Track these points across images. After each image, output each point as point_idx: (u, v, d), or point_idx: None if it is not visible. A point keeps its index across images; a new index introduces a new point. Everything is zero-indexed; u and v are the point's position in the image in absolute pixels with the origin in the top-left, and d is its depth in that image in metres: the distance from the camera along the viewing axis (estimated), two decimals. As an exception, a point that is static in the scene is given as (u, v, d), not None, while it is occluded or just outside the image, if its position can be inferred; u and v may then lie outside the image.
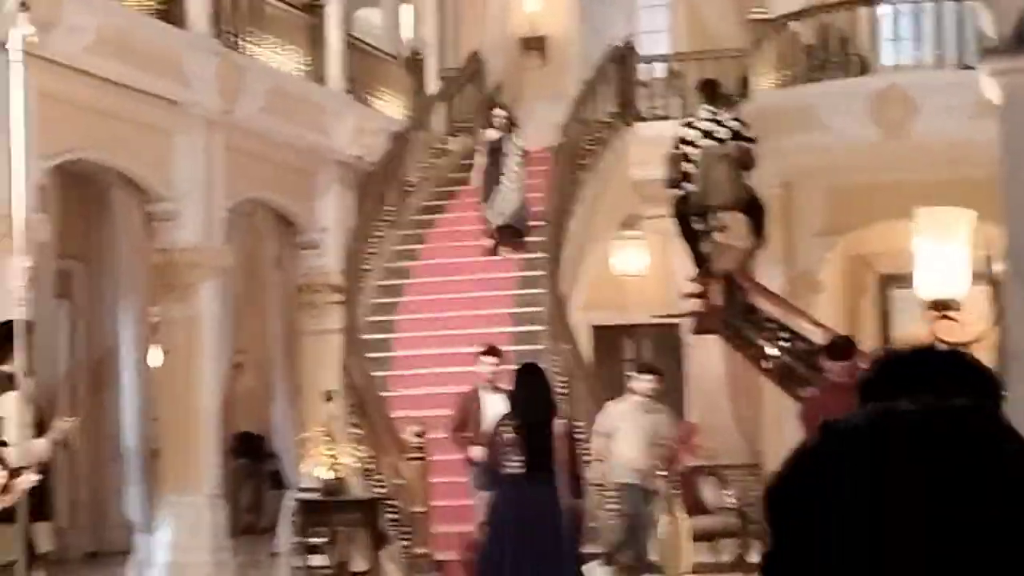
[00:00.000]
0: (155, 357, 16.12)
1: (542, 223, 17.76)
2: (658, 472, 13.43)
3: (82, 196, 16.89)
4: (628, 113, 20.32)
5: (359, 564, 14.72)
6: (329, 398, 15.79)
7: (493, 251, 17.87)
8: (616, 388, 15.11)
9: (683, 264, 17.76)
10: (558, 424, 10.65)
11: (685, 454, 15.00)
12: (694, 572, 14.31)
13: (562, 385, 15.14)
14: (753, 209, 16.44)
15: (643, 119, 20.37)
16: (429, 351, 16.86)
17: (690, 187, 16.38)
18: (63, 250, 16.22)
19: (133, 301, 15.82)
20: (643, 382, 13.65)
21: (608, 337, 21.90)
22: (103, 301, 17.78)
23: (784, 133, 18.15)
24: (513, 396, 11.18)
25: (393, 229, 18.84)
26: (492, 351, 13.77)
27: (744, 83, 19.46)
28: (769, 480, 1.88)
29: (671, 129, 17.86)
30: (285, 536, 16.72)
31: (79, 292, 17.94)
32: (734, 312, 16.45)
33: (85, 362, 17.91)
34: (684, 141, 16.50)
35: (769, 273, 19.04)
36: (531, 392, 10.79)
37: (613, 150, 19.76)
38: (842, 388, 9.74)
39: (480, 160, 18.15)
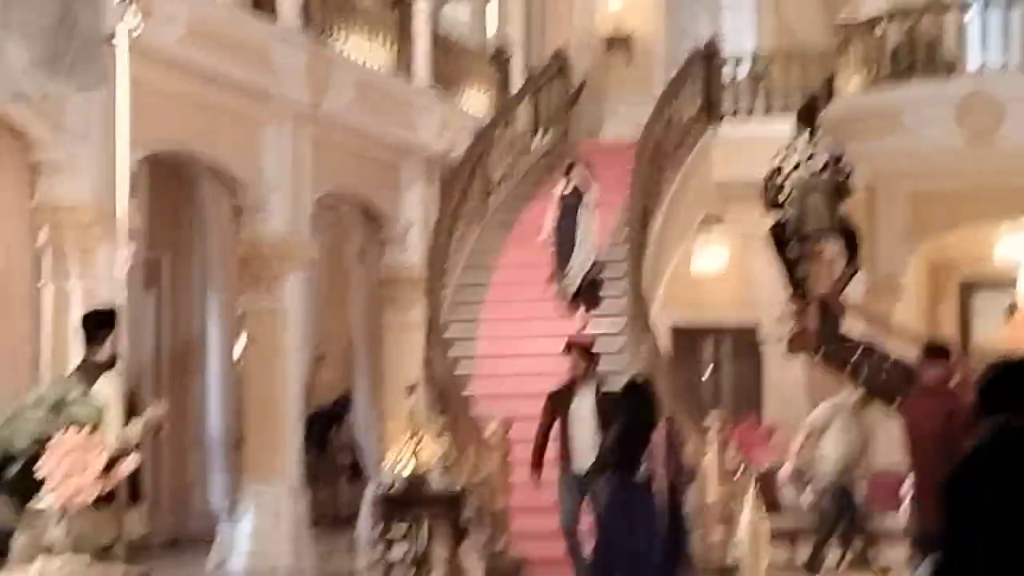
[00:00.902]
0: (240, 348, 16.28)
1: (622, 223, 17.82)
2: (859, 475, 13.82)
3: (170, 186, 17.09)
4: (712, 113, 20.32)
5: (439, 557, 14.82)
6: (411, 392, 15.91)
7: (573, 311, 16.96)
8: (693, 388, 15.21)
9: (763, 267, 17.77)
10: (657, 433, 10.96)
11: (763, 454, 15.03)
12: (772, 572, 14.32)
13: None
14: (848, 235, 16.74)
15: (727, 119, 20.36)
16: (511, 348, 16.95)
17: (787, 212, 16.63)
18: (151, 240, 16.41)
19: (219, 291, 16.01)
20: None
21: (686, 338, 21.91)
22: (190, 291, 18.00)
23: (869, 136, 18.13)
24: (619, 411, 11.57)
25: (477, 225, 18.93)
26: (579, 347, 13.79)
27: (830, 84, 19.43)
28: (946, 476, 1.95)
29: (755, 129, 17.85)
30: (365, 528, 16.87)
31: (166, 281, 18.14)
32: (828, 336, 16.63)
33: (170, 351, 18.11)
34: (781, 168, 16.70)
35: (851, 276, 19.04)
36: (634, 413, 11.16)
37: (696, 150, 19.76)
38: (934, 392, 9.68)
39: (553, 215, 17.31)
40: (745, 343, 21.77)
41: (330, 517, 20.24)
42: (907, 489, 11.61)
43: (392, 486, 15.09)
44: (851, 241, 16.76)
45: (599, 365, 13.56)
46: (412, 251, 18.64)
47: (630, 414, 11.19)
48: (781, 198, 16.63)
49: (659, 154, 18.99)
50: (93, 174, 12.99)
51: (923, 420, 9.34)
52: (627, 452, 10.91)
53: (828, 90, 19.41)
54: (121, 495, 8.34)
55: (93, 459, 7.22)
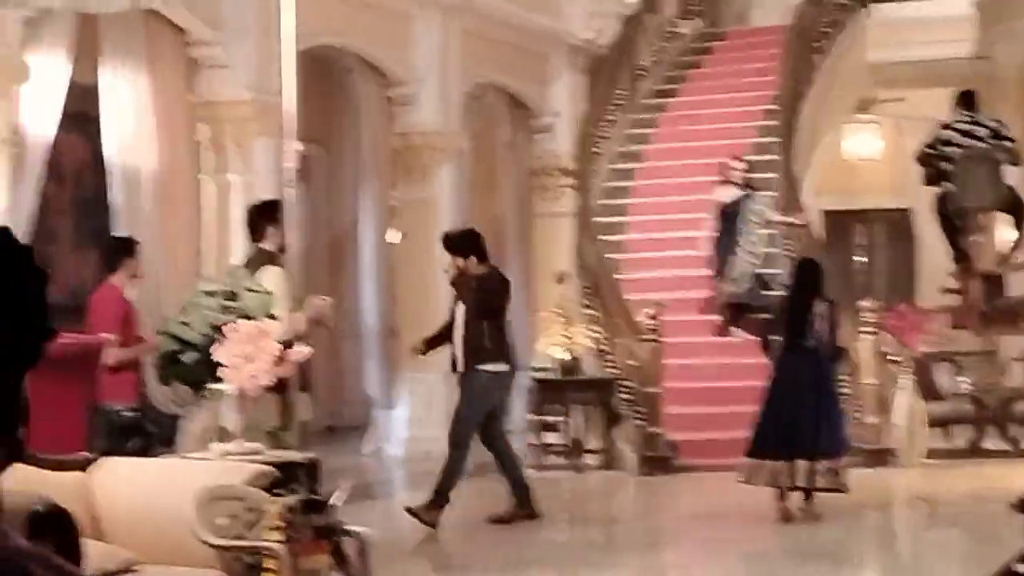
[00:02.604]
0: (393, 238, 16.50)
1: (775, 106, 17.72)
2: None
3: (321, 81, 17.26)
4: (864, -8, 20.00)
5: (592, 442, 15.02)
6: (561, 279, 16.05)
7: (722, 330, 15.89)
8: (845, 274, 15.19)
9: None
10: (819, 304, 11.35)
11: (917, 339, 14.96)
12: (929, 458, 14.33)
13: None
14: (1015, 208, 16.57)
15: (880, 0, 20.03)
16: (661, 234, 17.01)
17: (949, 186, 16.45)
18: (304, 134, 16.58)
19: (371, 184, 16.18)
20: None
21: (839, 222, 21.78)
22: (342, 184, 18.23)
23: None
24: (789, 286, 12.14)
25: (625, 113, 18.93)
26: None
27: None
28: None
29: (910, 8, 17.55)
30: (518, 414, 17.10)
31: (318, 175, 18.38)
32: (993, 311, 16.32)
33: (324, 243, 18.39)
34: (941, 141, 16.51)
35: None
36: (802, 283, 11.61)
37: (848, 32, 19.51)
38: None
39: (711, 225, 16.16)
40: (899, 227, 21.57)
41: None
42: None
43: (546, 372, 15.30)
44: (1018, 214, 16.58)
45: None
46: (561, 140, 18.69)
47: (799, 280, 11.64)
48: (941, 171, 16.46)
49: (810, 36, 18.79)
50: (251, 70, 13.23)
51: None
52: (796, 317, 11.36)
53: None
54: (291, 383, 8.58)
55: (266, 346, 7.44)
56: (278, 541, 5.73)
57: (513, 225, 18.51)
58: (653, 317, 14.52)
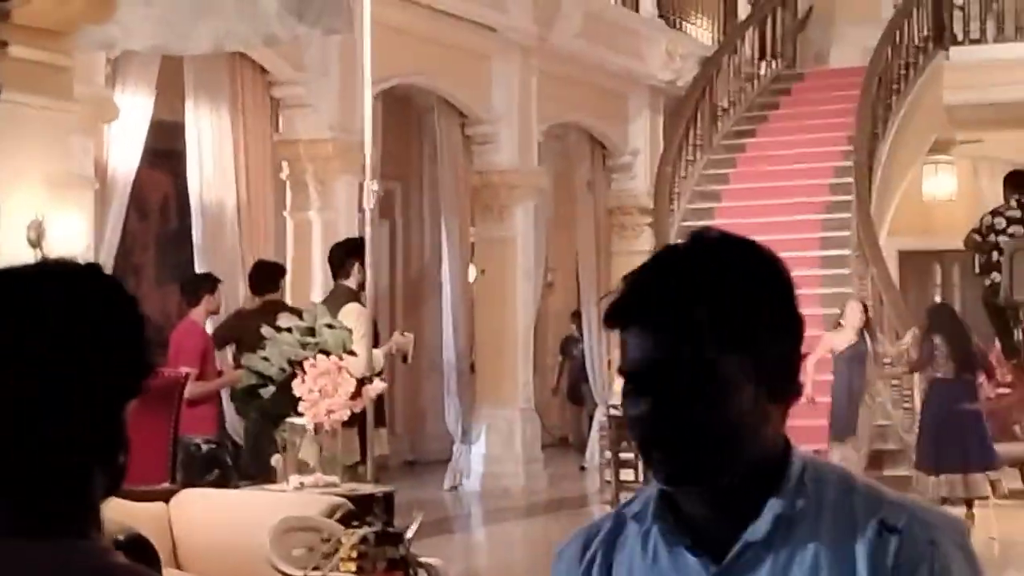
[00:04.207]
0: (472, 276, 16.69)
1: (851, 147, 17.77)
2: None
3: (401, 120, 17.50)
4: (942, 35, 20.01)
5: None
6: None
7: None
8: (922, 313, 15.04)
9: (994, 190, 17.55)
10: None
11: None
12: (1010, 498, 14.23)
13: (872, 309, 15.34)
14: None
15: (958, 43, 20.04)
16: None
17: (997, 277, 15.67)
18: (384, 172, 16.83)
19: (451, 221, 16.37)
20: None
21: (916, 262, 21.75)
22: (423, 221, 18.46)
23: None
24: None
25: (703, 153, 19.03)
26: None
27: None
28: None
29: (988, 51, 17.53)
30: (594, 451, 17.20)
31: (400, 212, 18.62)
32: None
33: (405, 280, 18.61)
34: (992, 229, 15.87)
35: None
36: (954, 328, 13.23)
37: (926, 73, 19.52)
38: None
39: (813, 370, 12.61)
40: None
41: (565, 440, 20.81)
42: None
43: (620, 410, 15.38)
44: None
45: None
46: (639, 179, 18.84)
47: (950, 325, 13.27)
48: (994, 259, 15.75)
49: (888, 78, 18.82)
50: (332, 109, 13.49)
51: None
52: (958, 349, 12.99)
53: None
54: (368, 418, 8.75)
55: (344, 382, 7.61)
56: (353, 572, 5.88)
57: (591, 263, 18.63)
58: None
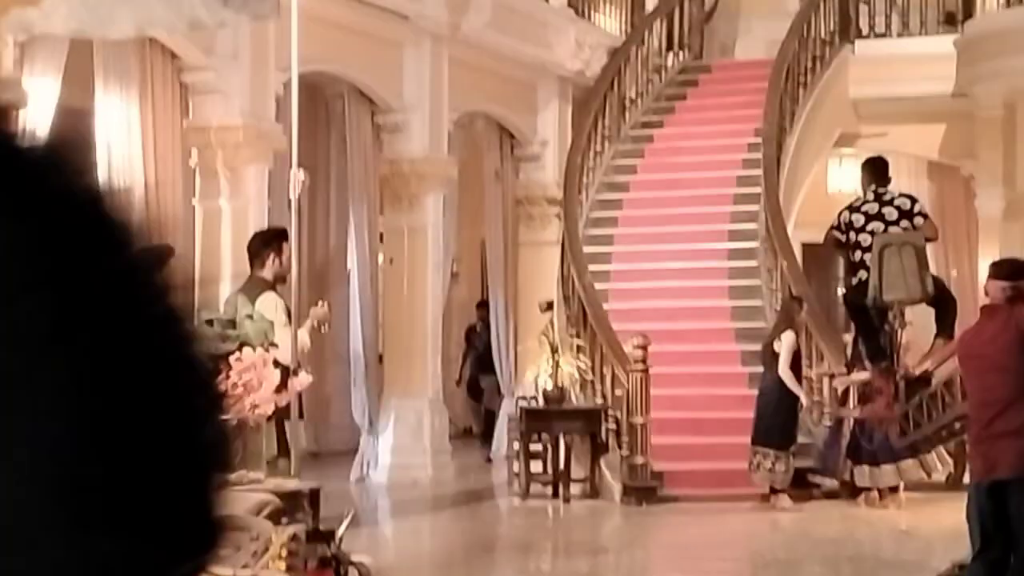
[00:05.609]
0: (380, 265, 16.57)
1: (758, 139, 17.85)
2: None
3: (311, 108, 17.31)
4: (848, 30, 20.15)
5: (578, 472, 15.07)
6: (547, 309, 16.14)
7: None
8: (825, 305, 15.08)
9: (901, 185, 17.68)
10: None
11: None
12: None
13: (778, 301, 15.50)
14: (940, 303, 14.79)
15: (863, 37, 20.19)
16: (646, 265, 17.10)
17: (863, 276, 14.57)
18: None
19: (360, 210, 16.24)
20: None
21: (819, 255, 21.87)
22: (329, 209, 18.30)
23: (1008, 54, 17.90)
24: None
25: (612, 144, 19.04)
26: None
27: (968, 3, 19.23)
28: None
29: (893, 46, 17.64)
30: (501, 443, 17.16)
31: (306, 200, 18.40)
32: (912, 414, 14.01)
33: (312, 269, 18.44)
34: (851, 226, 14.82)
35: (988, 194, 18.95)
36: None
37: (831, 68, 19.66)
38: (992, 310, 8.98)
39: None
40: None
41: (469, 431, 20.75)
42: None
43: (531, 400, 15.35)
44: (943, 308, 14.77)
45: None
46: (548, 169, 18.81)
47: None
48: (857, 257, 14.74)
49: (795, 71, 18.93)
50: (243, 96, 13.31)
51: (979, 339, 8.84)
52: None
53: (967, 6, 19.20)
54: (292, 411, 8.64)
55: (268, 375, 7.49)
56: (283, 571, 5.78)
57: (499, 253, 18.59)
58: (640, 347, 14.59)
